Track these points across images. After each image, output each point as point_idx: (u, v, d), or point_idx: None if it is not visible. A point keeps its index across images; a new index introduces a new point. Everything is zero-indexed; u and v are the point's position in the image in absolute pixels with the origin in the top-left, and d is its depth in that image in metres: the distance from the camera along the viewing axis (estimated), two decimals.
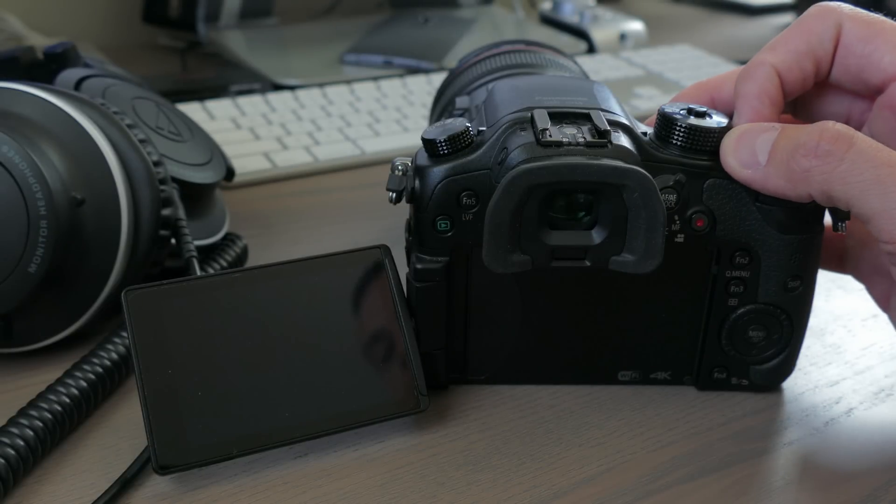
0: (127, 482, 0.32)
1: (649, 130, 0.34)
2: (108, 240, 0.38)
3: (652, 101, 0.74)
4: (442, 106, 0.48)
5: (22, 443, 0.32)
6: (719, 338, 0.36)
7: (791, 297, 0.35)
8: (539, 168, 0.30)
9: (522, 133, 0.32)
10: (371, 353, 0.35)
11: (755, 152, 0.32)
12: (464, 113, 0.42)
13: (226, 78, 0.75)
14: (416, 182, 0.33)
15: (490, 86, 0.39)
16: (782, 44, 0.35)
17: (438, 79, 0.73)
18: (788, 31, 0.35)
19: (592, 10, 0.93)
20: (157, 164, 0.40)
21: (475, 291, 0.36)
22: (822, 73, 0.35)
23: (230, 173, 0.50)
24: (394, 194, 0.33)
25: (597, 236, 0.32)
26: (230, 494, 0.32)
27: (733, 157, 0.33)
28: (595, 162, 0.30)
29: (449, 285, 0.35)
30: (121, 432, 0.35)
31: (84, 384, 0.35)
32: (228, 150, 0.54)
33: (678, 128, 0.33)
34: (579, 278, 0.35)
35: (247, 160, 0.59)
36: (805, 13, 0.35)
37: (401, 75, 0.76)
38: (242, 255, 0.46)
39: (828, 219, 0.35)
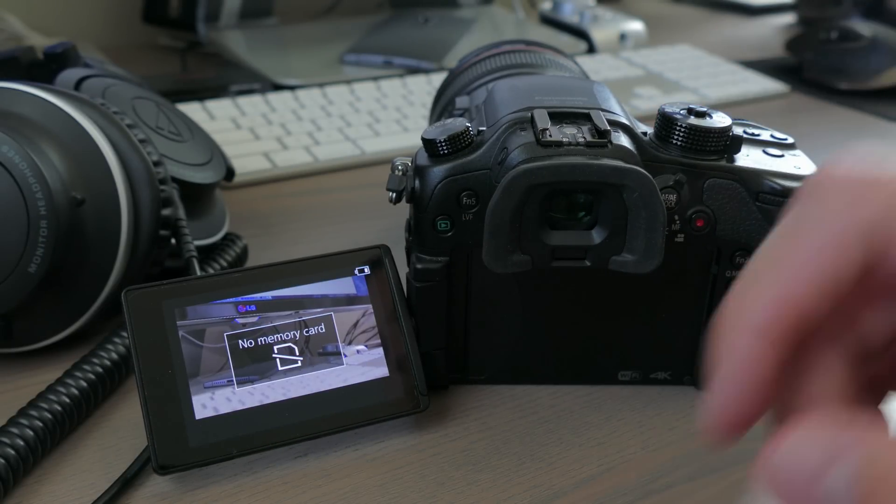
0: (127, 482, 0.32)
1: (649, 130, 0.34)
2: (108, 240, 0.38)
3: (652, 101, 0.74)
4: (442, 106, 0.48)
5: (22, 443, 0.32)
6: None
7: None
8: (539, 168, 0.30)
9: (522, 133, 0.32)
10: (371, 353, 0.35)
11: (826, 490, 0.17)
12: (464, 113, 0.42)
13: (226, 78, 0.75)
14: (416, 182, 0.33)
15: (490, 86, 0.39)
16: (789, 271, 0.19)
17: (438, 79, 0.73)
18: (772, 255, 0.20)
19: (592, 10, 0.93)
20: (157, 164, 0.40)
21: (475, 291, 0.36)
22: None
23: (230, 173, 0.50)
24: (394, 194, 0.33)
25: (597, 236, 0.32)
26: (230, 494, 0.32)
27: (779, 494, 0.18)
28: (595, 162, 0.30)
29: (449, 285, 0.35)
30: (121, 432, 0.35)
31: (84, 384, 0.35)
32: (228, 150, 0.54)
33: (678, 128, 0.33)
34: (579, 278, 0.35)
35: (247, 160, 0.59)
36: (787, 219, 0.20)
37: (401, 75, 0.76)
38: (242, 255, 0.46)
39: None
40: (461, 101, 0.43)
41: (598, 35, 0.90)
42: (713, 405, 0.19)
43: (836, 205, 0.19)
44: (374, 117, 0.67)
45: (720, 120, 0.34)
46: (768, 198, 0.33)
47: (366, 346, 0.35)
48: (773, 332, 0.19)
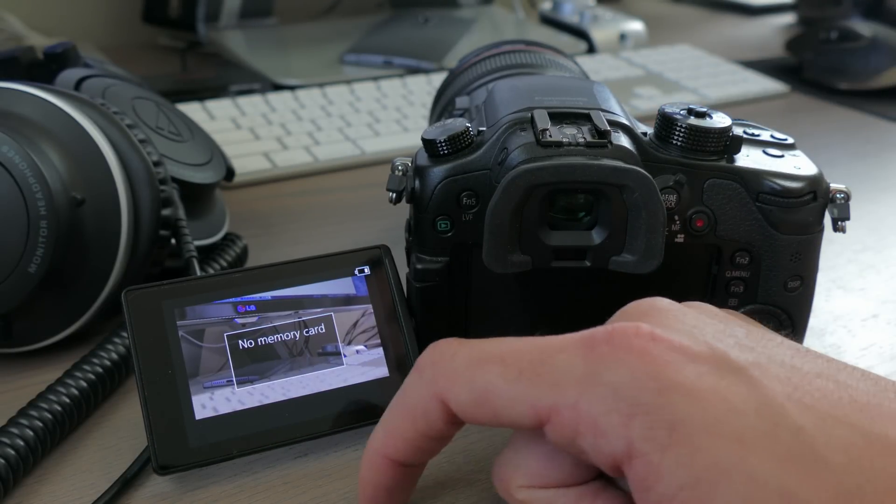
0: (127, 482, 0.32)
1: (649, 130, 0.34)
2: (108, 240, 0.38)
3: (652, 101, 0.74)
4: (442, 106, 0.48)
5: (22, 443, 0.32)
6: None
7: (791, 297, 0.35)
8: (539, 168, 0.30)
9: (522, 133, 0.32)
10: (371, 353, 0.35)
11: None
12: (464, 113, 0.42)
13: (226, 78, 0.75)
14: (417, 182, 0.33)
15: (490, 86, 0.39)
16: (391, 427, 0.28)
17: (438, 79, 0.73)
18: (392, 408, 0.28)
19: (592, 10, 0.93)
20: (157, 164, 0.40)
21: (475, 291, 0.36)
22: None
23: (230, 173, 0.50)
24: (394, 194, 0.33)
25: (597, 236, 0.32)
26: (230, 494, 0.32)
27: None
28: (595, 162, 0.30)
29: (449, 285, 0.35)
30: (121, 432, 0.35)
31: (84, 384, 0.35)
32: (228, 150, 0.54)
33: (678, 128, 0.33)
34: (579, 278, 0.35)
35: (247, 160, 0.59)
36: (405, 382, 0.28)
37: (401, 75, 0.76)
38: (242, 255, 0.46)
39: (827, 218, 0.35)
40: (461, 102, 0.43)
41: (598, 35, 0.90)
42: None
43: (419, 380, 0.27)
44: (374, 117, 0.67)
45: (720, 120, 0.34)
46: (768, 198, 0.33)
47: (365, 346, 0.35)
48: (382, 465, 0.28)
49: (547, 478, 0.27)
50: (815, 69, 0.82)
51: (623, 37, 0.91)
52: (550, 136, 0.31)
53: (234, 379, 0.33)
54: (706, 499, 0.22)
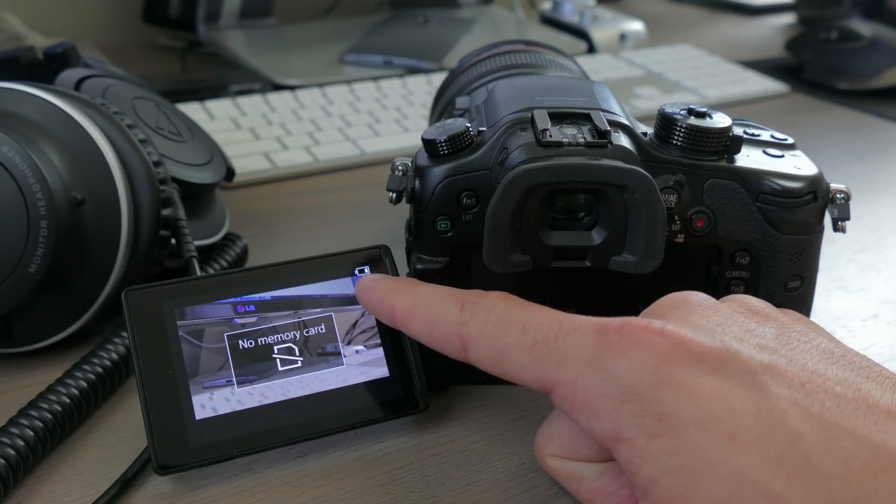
0: (127, 482, 0.32)
1: (649, 130, 0.34)
2: (108, 240, 0.38)
3: (652, 101, 0.74)
4: (442, 106, 0.48)
5: (22, 443, 0.32)
6: None
7: (791, 297, 0.35)
8: (539, 168, 0.30)
9: (523, 133, 0.32)
10: (371, 353, 0.35)
11: None
12: (464, 113, 0.42)
13: (226, 78, 0.75)
14: (417, 182, 0.33)
15: (490, 86, 0.38)
16: (416, 317, 0.31)
17: (438, 79, 0.73)
18: (419, 311, 0.31)
19: (592, 10, 0.93)
20: (157, 164, 0.40)
21: None
22: None
23: (230, 173, 0.50)
24: (394, 194, 0.33)
25: (597, 236, 0.32)
26: (230, 494, 0.32)
27: None
28: (595, 162, 0.30)
29: (449, 286, 0.35)
30: (121, 432, 0.35)
31: (84, 384, 0.35)
32: (228, 150, 0.54)
33: (678, 128, 0.33)
34: (580, 279, 0.35)
35: (247, 160, 0.59)
36: (442, 295, 0.31)
37: (401, 75, 0.76)
38: (242, 255, 0.46)
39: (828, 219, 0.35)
40: (461, 102, 0.43)
41: (598, 35, 0.90)
42: None
43: (456, 313, 0.30)
44: (374, 117, 0.67)
45: (720, 120, 0.34)
46: (768, 198, 0.33)
47: (365, 346, 0.35)
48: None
49: (576, 451, 0.29)
50: (815, 69, 0.83)
51: (623, 37, 0.91)
52: (550, 136, 0.31)
53: (233, 379, 0.33)
54: (688, 487, 0.23)
